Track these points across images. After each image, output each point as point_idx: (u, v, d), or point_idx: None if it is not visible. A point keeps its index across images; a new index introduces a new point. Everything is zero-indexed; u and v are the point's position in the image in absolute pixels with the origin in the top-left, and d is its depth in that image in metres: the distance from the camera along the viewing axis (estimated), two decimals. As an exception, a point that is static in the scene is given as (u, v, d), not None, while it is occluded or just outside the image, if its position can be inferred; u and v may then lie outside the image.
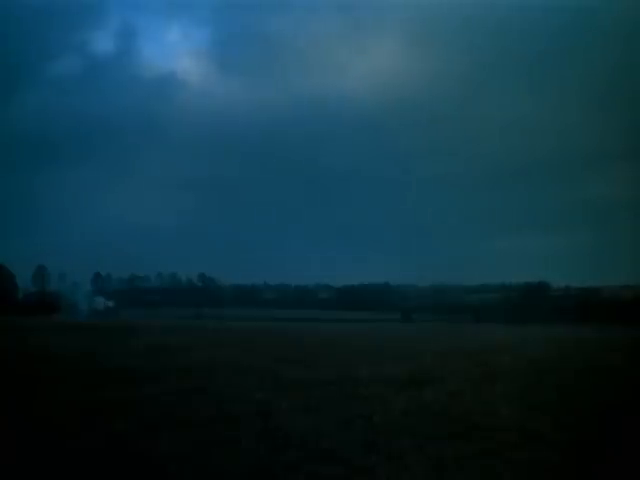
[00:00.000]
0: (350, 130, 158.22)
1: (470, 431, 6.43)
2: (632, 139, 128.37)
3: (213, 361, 13.39)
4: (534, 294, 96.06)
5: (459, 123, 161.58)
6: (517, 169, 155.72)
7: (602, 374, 12.17)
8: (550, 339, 27.91)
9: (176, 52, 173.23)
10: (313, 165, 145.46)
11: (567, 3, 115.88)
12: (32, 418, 6.88)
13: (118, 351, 16.16)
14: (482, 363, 13.76)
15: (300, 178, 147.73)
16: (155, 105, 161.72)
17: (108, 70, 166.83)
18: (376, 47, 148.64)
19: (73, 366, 12.21)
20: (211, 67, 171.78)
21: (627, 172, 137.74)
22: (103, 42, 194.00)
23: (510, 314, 72.89)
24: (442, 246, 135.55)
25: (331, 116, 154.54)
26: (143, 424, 6.54)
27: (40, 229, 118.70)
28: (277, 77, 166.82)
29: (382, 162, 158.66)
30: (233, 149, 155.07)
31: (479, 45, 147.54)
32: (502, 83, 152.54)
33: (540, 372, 12.09)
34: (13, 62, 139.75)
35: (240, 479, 4.84)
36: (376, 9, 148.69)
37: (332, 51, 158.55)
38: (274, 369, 11.82)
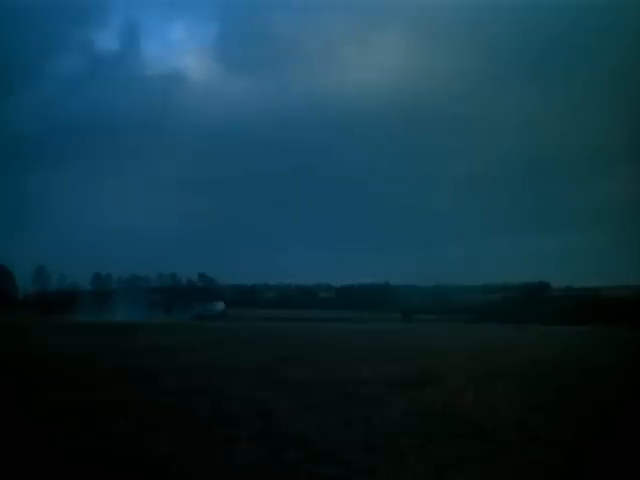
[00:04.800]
0: (353, 131, 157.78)
1: (471, 431, 6.44)
2: (634, 139, 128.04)
3: (213, 361, 13.40)
4: (534, 294, 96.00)
5: (461, 124, 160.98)
6: (517, 169, 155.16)
7: (602, 374, 12.17)
8: (550, 339, 27.91)
9: (180, 50, 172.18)
10: (315, 165, 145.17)
11: (579, 3, 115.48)
12: (33, 418, 6.89)
13: (119, 351, 16.16)
14: (482, 363, 13.76)
15: (302, 178, 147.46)
16: (157, 104, 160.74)
17: (110, 68, 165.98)
18: (384, 46, 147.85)
19: (75, 365, 12.22)
20: (215, 65, 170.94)
21: (628, 172, 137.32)
22: (105, 40, 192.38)
23: (510, 314, 72.80)
24: (442, 246, 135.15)
25: (336, 117, 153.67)
26: (143, 424, 6.54)
27: (40, 229, 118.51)
28: (283, 76, 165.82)
29: (383, 163, 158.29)
30: (235, 149, 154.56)
31: (488, 44, 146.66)
32: (506, 83, 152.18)
33: (540, 372, 12.10)
34: (13, 60, 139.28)
35: (240, 479, 4.85)
36: (384, 7, 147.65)
37: (340, 50, 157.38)
38: (274, 369, 11.83)
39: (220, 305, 79.01)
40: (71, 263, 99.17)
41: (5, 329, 28.55)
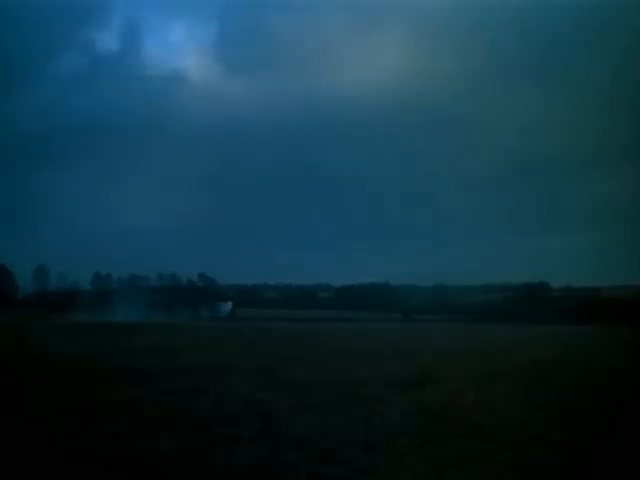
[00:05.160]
0: (354, 132, 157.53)
1: (471, 431, 6.44)
2: (634, 139, 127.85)
3: (214, 361, 13.40)
4: (534, 294, 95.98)
5: (461, 124, 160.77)
6: (517, 169, 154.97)
7: (602, 374, 12.17)
8: (550, 339, 27.91)
9: (180, 50, 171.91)
10: (316, 164, 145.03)
11: (581, 3, 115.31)
12: (33, 418, 6.89)
13: (119, 351, 16.16)
14: (482, 363, 13.76)
15: (302, 178, 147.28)
16: (157, 104, 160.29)
17: (111, 68, 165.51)
18: (384, 46, 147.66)
19: (75, 365, 12.22)
20: (215, 66, 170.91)
21: (628, 172, 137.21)
22: (106, 40, 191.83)
23: (510, 314, 72.81)
24: (442, 246, 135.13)
25: (337, 117, 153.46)
26: (143, 424, 6.54)
27: (40, 229, 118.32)
28: (282, 76, 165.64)
29: (383, 162, 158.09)
30: (235, 149, 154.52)
31: (489, 44, 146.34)
32: (507, 84, 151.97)
33: (540, 372, 12.10)
34: (15, 60, 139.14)
35: (240, 479, 4.84)
36: (383, 7, 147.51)
37: (339, 50, 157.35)
38: (275, 369, 11.83)
39: (228, 306, 78.76)
40: (71, 263, 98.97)
41: (5, 329, 28.54)
